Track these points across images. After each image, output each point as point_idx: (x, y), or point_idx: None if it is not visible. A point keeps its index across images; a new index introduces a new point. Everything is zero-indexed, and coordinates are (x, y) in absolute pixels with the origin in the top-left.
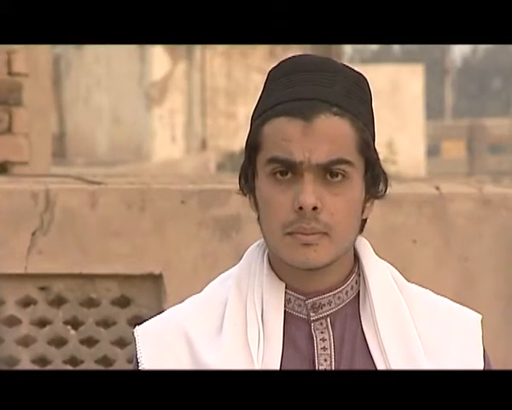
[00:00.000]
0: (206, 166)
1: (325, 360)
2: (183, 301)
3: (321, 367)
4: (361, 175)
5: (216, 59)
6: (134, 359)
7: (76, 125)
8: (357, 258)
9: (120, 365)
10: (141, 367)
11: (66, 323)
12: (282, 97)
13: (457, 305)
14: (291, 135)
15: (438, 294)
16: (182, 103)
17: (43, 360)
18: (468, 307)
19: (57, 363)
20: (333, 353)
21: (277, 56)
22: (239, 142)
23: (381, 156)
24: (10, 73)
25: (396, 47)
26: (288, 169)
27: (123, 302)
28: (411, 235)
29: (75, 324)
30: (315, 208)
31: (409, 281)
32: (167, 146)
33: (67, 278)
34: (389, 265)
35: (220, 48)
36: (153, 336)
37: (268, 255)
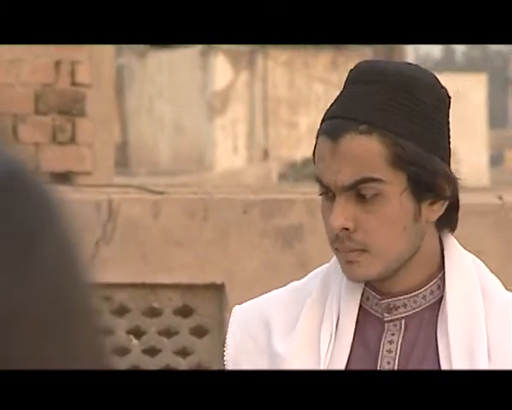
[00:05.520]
0: (268, 176)
1: (388, 363)
2: None
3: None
4: (400, 189)
5: (278, 69)
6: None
7: (139, 135)
8: (443, 260)
9: None
10: (226, 351)
11: (128, 332)
12: (328, 113)
13: None
14: (323, 156)
15: None
16: (244, 113)
17: None
18: None
19: None
20: (397, 356)
21: (339, 66)
22: (301, 152)
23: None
24: (74, 84)
25: (459, 56)
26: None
27: (185, 312)
28: (475, 245)
29: (138, 333)
30: (347, 229)
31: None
32: (229, 156)
33: (130, 288)
34: (480, 262)
35: (282, 57)
36: (241, 321)
37: None
